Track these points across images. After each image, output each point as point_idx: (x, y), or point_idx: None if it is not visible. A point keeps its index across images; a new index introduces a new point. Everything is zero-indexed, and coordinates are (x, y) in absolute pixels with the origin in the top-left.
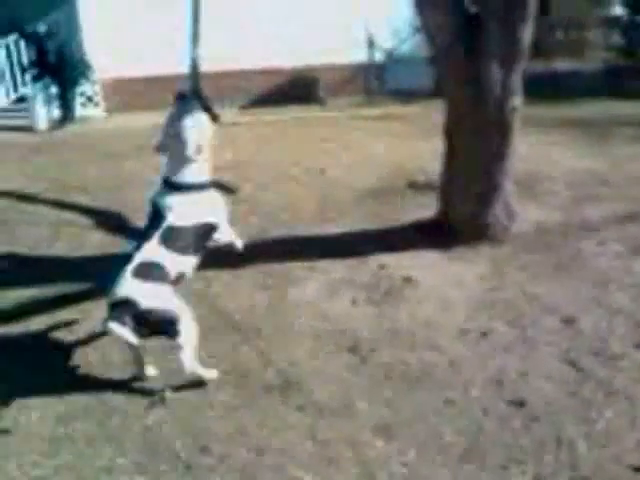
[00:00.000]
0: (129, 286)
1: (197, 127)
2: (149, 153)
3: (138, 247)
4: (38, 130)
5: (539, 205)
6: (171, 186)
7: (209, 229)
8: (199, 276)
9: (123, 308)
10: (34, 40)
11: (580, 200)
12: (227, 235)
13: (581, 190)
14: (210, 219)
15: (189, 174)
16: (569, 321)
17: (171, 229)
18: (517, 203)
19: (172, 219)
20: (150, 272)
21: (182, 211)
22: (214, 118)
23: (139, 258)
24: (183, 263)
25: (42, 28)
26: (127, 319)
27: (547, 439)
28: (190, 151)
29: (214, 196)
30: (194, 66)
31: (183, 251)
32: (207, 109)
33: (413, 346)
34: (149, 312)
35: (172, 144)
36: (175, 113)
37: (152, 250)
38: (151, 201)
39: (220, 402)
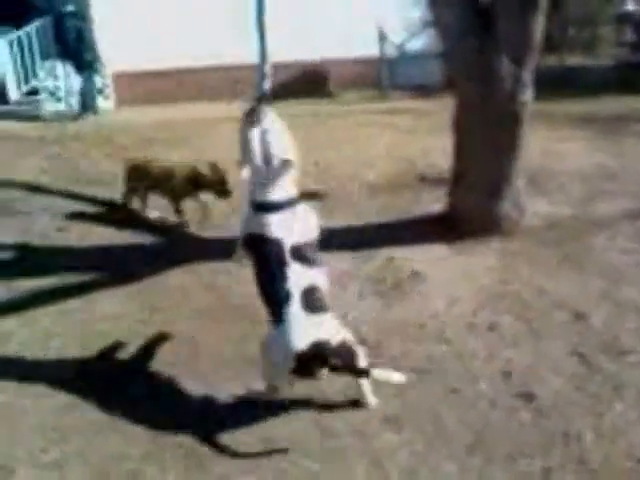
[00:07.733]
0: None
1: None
2: (158, 147)
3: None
4: (48, 121)
5: (549, 200)
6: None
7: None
8: (207, 267)
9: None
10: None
11: (591, 195)
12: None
13: (592, 185)
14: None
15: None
16: (578, 315)
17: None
18: (527, 198)
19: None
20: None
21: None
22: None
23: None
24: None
25: (69, 8)
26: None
27: (555, 432)
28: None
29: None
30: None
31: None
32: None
33: (421, 339)
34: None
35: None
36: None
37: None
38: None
39: (227, 391)
